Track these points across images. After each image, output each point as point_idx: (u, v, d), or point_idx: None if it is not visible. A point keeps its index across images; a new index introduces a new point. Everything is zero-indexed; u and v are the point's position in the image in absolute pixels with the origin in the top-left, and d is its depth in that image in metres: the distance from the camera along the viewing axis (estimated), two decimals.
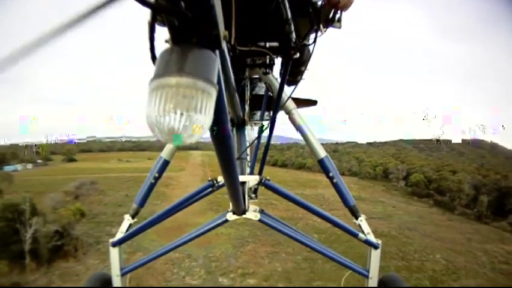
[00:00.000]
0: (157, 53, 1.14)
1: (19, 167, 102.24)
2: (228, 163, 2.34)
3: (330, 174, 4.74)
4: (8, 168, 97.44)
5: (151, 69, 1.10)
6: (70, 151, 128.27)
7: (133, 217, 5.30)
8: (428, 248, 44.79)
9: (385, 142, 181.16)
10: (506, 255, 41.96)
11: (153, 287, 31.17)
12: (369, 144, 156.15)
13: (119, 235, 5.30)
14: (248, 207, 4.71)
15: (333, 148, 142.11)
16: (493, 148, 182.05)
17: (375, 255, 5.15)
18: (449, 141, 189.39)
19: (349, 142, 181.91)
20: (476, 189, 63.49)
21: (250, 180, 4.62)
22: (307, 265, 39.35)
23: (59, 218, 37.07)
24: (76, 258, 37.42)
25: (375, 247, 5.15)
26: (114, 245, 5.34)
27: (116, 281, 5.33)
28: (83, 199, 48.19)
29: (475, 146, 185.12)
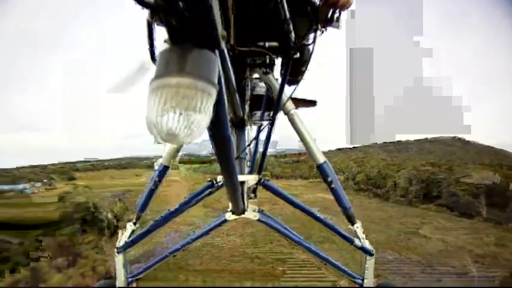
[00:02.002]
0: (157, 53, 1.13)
1: (28, 185, 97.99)
2: (227, 163, 2.27)
3: (329, 180, 4.48)
4: (17, 188, 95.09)
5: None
6: (68, 171, 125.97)
7: (135, 223, 5.13)
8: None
9: (355, 147, 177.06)
10: (414, 224, 52.21)
11: (157, 287, 31.64)
12: (339, 150, 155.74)
13: (124, 242, 5.12)
14: (247, 207, 4.56)
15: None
16: (465, 145, 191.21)
17: (370, 263, 4.95)
18: (420, 140, 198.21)
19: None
20: (409, 181, 73.68)
21: (250, 179, 4.45)
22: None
23: (114, 211, 59.48)
24: None
25: (370, 254, 4.92)
26: (119, 251, 5.18)
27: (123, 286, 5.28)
28: (123, 202, 65.91)
29: (446, 144, 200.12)
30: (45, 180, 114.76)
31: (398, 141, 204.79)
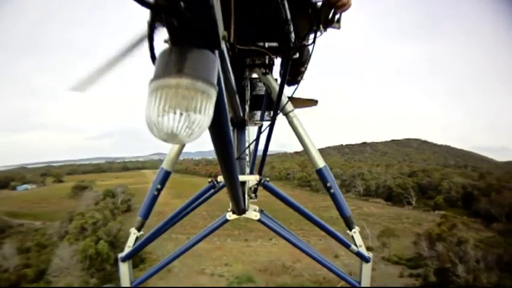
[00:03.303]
0: (157, 53, 1.09)
1: (29, 186, 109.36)
2: (227, 163, 2.21)
3: (328, 185, 4.32)
4: (20, 188, 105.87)
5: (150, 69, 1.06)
6: (58, 174, 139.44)
7: (138, 230, 4.83)
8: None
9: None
10: (325, 204, 55.71)
11: (161, 287, 31.14)
12: (296, 153, 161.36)
13: (128, 249, 4.80)
14: (248, 206, 4.36)
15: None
16: (421, 145, 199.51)
17: (367, 268, 4.80)
18: (374, 143, 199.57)
19: (279, 152, 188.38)
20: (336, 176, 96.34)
21: (250, 180, 4.27)
22: None
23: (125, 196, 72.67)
24: (133, 212, 61.99)
25: (367, 260, 4.76)
26: (124, 259, 4.86)
27: None
28: (127, 193, 75.94)
29: (402, 145, 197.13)
30: (40, 182, 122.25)
31: (362, 143, 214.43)
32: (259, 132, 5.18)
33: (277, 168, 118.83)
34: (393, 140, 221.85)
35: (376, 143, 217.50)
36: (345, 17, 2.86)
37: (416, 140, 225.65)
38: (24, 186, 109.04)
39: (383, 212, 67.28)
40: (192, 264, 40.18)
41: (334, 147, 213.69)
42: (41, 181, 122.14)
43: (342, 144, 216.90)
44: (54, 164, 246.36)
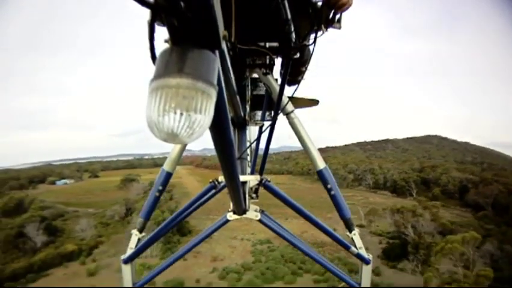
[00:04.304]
0: (157, 53, 1.07)
1: (67, 181, 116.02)
2: (228, 163, 2.15)
3: (328, 186, 4.19)
4: (59, 182, 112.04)
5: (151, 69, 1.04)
6: (94, 170, 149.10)
7: (140, 231, 4.69)
8: (300, 189, 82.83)
9: (335, 147, 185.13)
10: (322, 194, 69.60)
11: (162, 287, 33.42)
12: (320, 149, 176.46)
13: (130, 251, 4.64)
14: (249, 207, 4.23)
15: (287, 156, 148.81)
16: (440, 142, 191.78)
17: (367, 270, 4.62)
18: (396, 140, 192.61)
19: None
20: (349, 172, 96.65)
21: (251, 180, 4.14)
22: None
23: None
24: (175, 200, 62.71)
25: (367, 262, 4.56)
26: (126, 261, 4.69)
27: None
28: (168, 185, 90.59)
29: (421, 142, 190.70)
30: (78, 177, 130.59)
31: (384, 139, 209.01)
32: (260, 132, 5.08)
33: (301, 164, 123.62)
34: (413, 137, 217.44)
35: (398, 139, 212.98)
36: (345, 16, 2.79)
37: (435, 136, 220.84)
38: (63, 180, 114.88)
39: (386, 201, 71.60)
40: (227, 234, 50.24)
41: (357, 144, 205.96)
42: (78, 176, 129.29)
43: (365, 141, 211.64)
44: (81, 161, 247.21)
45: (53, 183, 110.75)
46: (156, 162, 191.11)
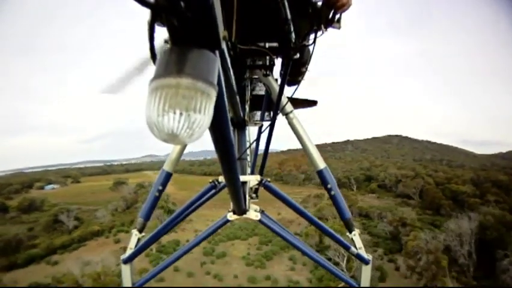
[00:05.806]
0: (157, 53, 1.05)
1: (55, 186, 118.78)
2: (228, 163, 2.17)
3: (329, 186, 4.14)
4: (47, 187, 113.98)
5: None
6: (76, 176, 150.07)
7: (140, 231, 4.58)
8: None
9: (296, 149, 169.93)
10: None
11: (162, 287, 34.54)
12: (282, 152, 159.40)
13: (129, 251, 4.53)
14: (249, 207, 4.10)
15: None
16: (401, 141, 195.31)
17: (366, 270, 4.55)
18: (356, 141, 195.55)
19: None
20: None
21: (251, 180, 4.04)
22: None
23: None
24: (162, 198, 72.02)
25: (366, 262, 4.46)
26: (125, 261, 4.59)
27: None
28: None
29: (382, 142, 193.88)
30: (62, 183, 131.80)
31: (345, 141, 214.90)
32: (260, 133, 4.91)
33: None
34: (374, 138, 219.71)
35: (358, 140, 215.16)
36: (345, 16, 2.73)
37: (396, 136, 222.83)
38: (51, 185, 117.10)
39: (325, 193, 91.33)
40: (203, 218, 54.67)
41: (316, 146, 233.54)
42: (63, 182, 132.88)
43: (325, 143, 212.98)
44: (51, 169, 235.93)
45: (42, 188, 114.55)
46: (127, 168, 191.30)
